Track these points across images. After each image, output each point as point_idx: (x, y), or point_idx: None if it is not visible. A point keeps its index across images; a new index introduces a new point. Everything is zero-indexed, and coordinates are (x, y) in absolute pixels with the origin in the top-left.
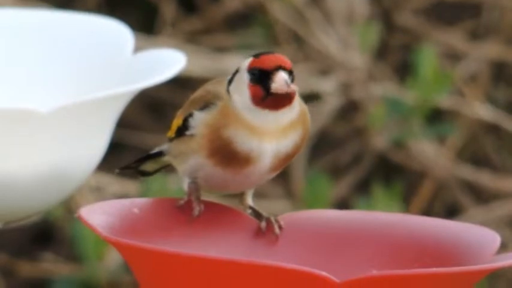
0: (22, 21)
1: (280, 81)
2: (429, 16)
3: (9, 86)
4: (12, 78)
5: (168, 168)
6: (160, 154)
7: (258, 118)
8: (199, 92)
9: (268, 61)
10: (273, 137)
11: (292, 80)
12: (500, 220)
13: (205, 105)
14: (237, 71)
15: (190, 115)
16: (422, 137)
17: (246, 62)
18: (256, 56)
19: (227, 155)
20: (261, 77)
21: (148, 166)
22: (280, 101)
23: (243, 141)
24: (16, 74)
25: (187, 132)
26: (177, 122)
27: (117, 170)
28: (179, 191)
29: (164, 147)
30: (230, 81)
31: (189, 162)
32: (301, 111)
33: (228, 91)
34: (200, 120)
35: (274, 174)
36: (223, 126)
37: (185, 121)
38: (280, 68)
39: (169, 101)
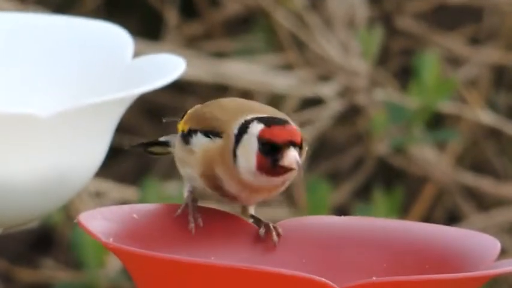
0: (22, 25)
1: (290, 160)
2: (430, 21)
3: (8, 90)
4: (12, 83)
5: (168, 176)
6: (167, 144)
7: (254, 179)
8: (212, 110)
9: (279, 135)
10: (261, 189)
11: (300, 154)
12: (501, 226)
13: (211, 131)
14: (245, 126)
15: (194, 132)
16: (423, 142)
17: (256, 128)
18: (267, 124)
19: (215, 184)
20: (270, 151)
21: (157, 149)
22: (284, 172)
23: (230, 186)
24: (16, 78)
25: (189, 147)
26: (184, 125)
27: (126, 147)
28: (178, 196)
29: (172, 138)
30: (236, 139)
31: (187, 170)
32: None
33: (233, 151)
34: (201, 145)
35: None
36: (218, 164)
37: (189, 133)
38: (291, 143)
39: (169, 106)
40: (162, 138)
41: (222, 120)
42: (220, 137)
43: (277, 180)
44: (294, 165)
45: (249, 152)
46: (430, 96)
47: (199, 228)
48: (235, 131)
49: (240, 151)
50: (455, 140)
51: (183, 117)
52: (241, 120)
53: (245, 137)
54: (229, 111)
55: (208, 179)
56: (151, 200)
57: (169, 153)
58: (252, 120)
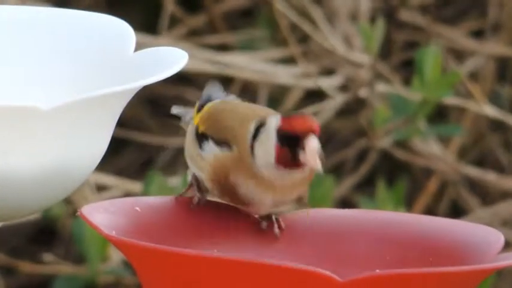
0: (22, 18)
1: (311, 149)
2: (433, 14)
3: (9, 83)
4: (13, 76)
5: (171, 169)
6: (178, 117)
7: (275, 175)
8: (228, 116)
9: (299, 126)
10: (279, 191)
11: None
12: (505, 219)
13: (223, 140)
14: (261, 123)
15: (206, 138)
16: (427, 135)
17: (274, 120)
18: (286, 116)
19: (228, 191)
20: (290, 142)
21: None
22: (298, 163)
23: (247, 191)
24: (17, 72)
25: (200, 151)
26: (198, 122)
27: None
28: (181, 189)
29: (185, 113)
30: (254, 135)
31: (196, 171)
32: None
33: (251, 147)
34: (212, 152)
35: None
36: (232, 170)
37: (202, 136)
38: (311, 132)
39: (171, 99)
40: (174, 111)
41: (235, 129)
42: (232, 147)
43: (297, 174)
44: (315, 158)
45: (267, 146)
46: (433, 90)
47: (203, 220)
48: (252, 130)
49: (257, 147)
50: (460, 133)
51: (199, 110)
52: (256, 121)
53: (262, 132)
54: (242, 116)
55: (219, 184)
56: (154, 193)
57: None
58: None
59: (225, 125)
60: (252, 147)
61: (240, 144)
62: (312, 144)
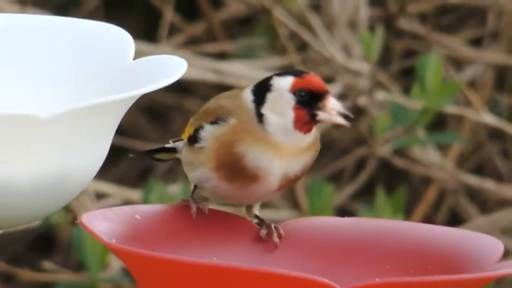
0: (22, 27)
1: (335, 106)
2: (433, 22)
3: (9, 91)
4: (12, 84)
5: (171, 176)
6: (174, 150)
7: (286, 138)
8: (212, 104)
9: (316, 83)
10: (285, 157)
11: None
12: (504, 228)
13: (216, 119)
14: (264, 88)
15: (201, 127)
16: (426, 144)
17: (285, 81)
18: (298, 75)
19: (234, 170)
20: (311, 102)
21: (162, 156)
22: (315, 124)
23: (255, 157)
24: (16, 79)
25: (197, 145)
26: (188, 130)
27: (131, 155)
28: (181, 197)
29: (179, 144)
30: (258, 100)
31: (196, 173)
32: (315, 134)
33: (257, 113)
34: (210, 134)
35: (280, 192)
36: (236, 141)
37: (196, 132)
38: (328, 91)
39: (170, 107)
40: (168, 145)
41: (226, 106)
42: (228, 119)
43: (307, 137)
44: (341, 112)
45: (282, 108)
46: (432, 98)
47: (203, 228)
48: (250, 97)
49: (268, 111)
50: (459, 141)
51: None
52: (251, 86)
53: (271, 95)
54: (230, 97)
55: (225, 166)
56: (155, 201)
57: (175, 158)
58: (270, 77)
59: (212, 107)
60: (258, 113)
61: (238, 114)
62: (334, 101)
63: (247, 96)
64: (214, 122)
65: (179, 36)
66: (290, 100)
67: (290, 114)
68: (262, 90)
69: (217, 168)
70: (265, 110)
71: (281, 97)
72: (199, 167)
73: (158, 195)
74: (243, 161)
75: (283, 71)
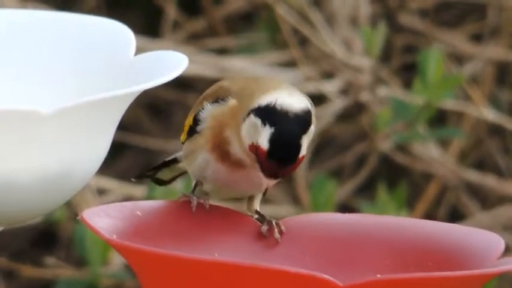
0: (23, 22)
1: (268, 180)
2: (433, 18)
3: (10, 87)
4: (13, 79)
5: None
6: (175, 161)
7: (246, 156)
8: (213, 88)
9: (272, 170)
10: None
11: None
12: (505, 224)
13: (216, 99)
14: (258, 109)
15: (202, 108)
16: (427, 140)
17: (265, 132)
18: (272, 150)
19: (224, 153)
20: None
21: (164, 174)
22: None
23: (235, 150)
24: (17, 75)
25: (198, 128)
26: (188, 121)
27: (133, 179)
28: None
29: (178, 153)
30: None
31: (197, 160)
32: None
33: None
34: (209, 112)
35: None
36: (226, 124)
37: (196, 116)
38: (277, 177)
39: (171, 103)
40: (168, 158)
41: (226, 86)
42: (228, 99)
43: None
44: (269, 183)
45: (246, 136)
46: (433, 93)
47: (204, 224)
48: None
49: (243, 128)
50: (460, 137)
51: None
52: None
53: (251, 121)
54: (231, 80)
55: (217, 147)
56: (159, 198)
57: (179, 175)
58: (267, 108)
59: (214, 89)
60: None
61: (239, 98)
62: (271, 181)
63: (256, 98)
64: (214, 102)
65: (180, 32)
66: (254, 138)
67: (247, 144)
68: (263, 110)
69: (212, 149)
70: (243, 126)
71: (252, 131)
72: (199, 152)
73: (163, 191)
74: (228, 146)
75: (276, 130)
